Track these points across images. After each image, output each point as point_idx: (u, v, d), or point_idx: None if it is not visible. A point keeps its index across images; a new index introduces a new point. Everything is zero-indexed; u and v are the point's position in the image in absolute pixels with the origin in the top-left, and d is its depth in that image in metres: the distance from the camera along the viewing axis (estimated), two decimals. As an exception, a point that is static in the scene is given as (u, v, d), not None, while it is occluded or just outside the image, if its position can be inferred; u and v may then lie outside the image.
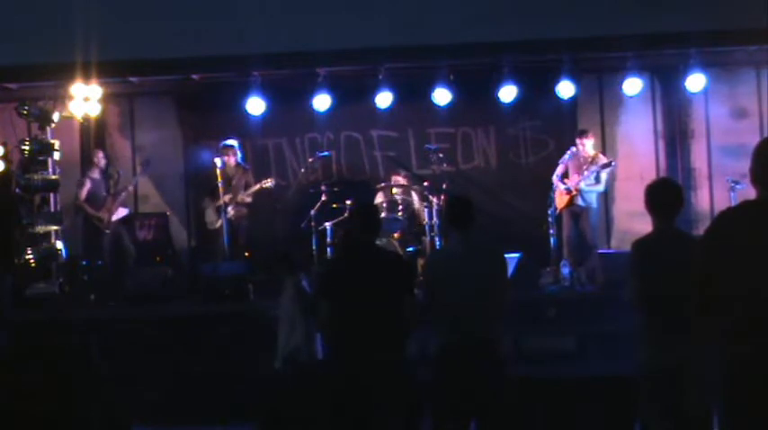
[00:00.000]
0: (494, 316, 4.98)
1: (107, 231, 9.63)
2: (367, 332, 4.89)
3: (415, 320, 4.98)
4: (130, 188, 10.12)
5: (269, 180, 9.69)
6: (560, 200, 9.42)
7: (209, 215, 9.78)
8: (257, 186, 9.66)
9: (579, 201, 9.31)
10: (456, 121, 10.52)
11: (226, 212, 9.51)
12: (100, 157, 9.85)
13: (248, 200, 9.72)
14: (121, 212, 9.81)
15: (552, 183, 9.46)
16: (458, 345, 4.89)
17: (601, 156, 9.48)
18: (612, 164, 9.37)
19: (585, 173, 9.25)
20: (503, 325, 5.08)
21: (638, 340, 4.77)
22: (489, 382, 4.88)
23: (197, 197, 10.35)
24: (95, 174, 9.73)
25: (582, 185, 9.24)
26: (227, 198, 9.55)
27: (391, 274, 5.03)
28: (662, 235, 4.75)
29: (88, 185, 9.63)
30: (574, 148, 9.40)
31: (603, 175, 9.34)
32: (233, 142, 9.72)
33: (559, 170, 9.49)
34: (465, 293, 4.90)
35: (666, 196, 4.79)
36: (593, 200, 9.41)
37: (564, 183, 9.37)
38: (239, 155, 9.75)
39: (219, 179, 9.43)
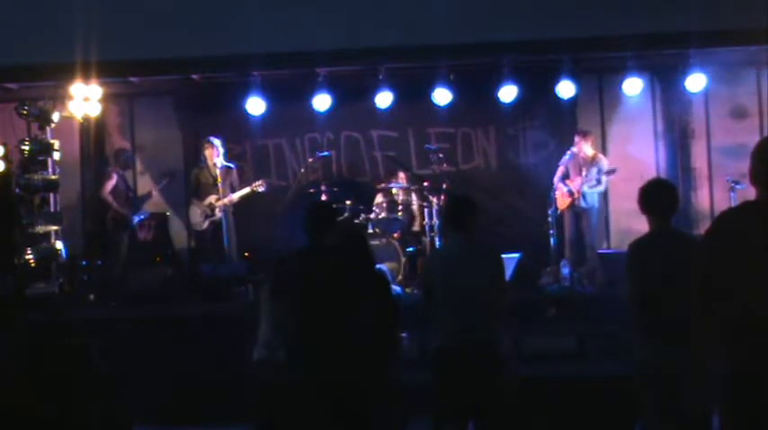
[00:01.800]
0: (493, 316, 4.97)
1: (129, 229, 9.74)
2: (327, 340, 4.80)
3: (391, 325, 4.89)
4: (154, 193, 10.29)
5: (260, 183, 9.61)
6: (562, 201, 9.45)
7: (194, 216, 9.75)
8: (248, 189, 9.61)
9: (581, 203, 9.36)
10: (456, 121, 10.52)
11: (224, 212, 9.52)
12: (129, 155, 10.10)
13: (234, 201, 9.65)
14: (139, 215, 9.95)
15: (553, 184, 9.49)
16: (457, 346, 4.88)
17: (600, 156, 9.51)
18: (616, 171, 9.40)
19: (586, 174, 9.28)
20: (502, 325, 5.08)
21: (637, 340, 4.77)
22: (489, 383, 4.87)
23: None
24: (121, 171, 9.85)
25: (584, 188, 9.30)
26: (213, 199, 9.54)
27: (347, 278, 4.94)
28: (659, 235, 4.75)
29: (114, 179, 9.72)
30: (574, 149, 9.44)
31: (604, 177, 9.39)
32: (216, 140, 9.68)
33: (560, 172, 9.53)
34: (463, 294, 4.90)
35: (661, 196, 4.77)
36: (594, 200, 9.45)
37: (566, 185, 9.39)
38: (221, 152, 9.67)
39: (209, 179, 9.49)
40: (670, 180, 5.23)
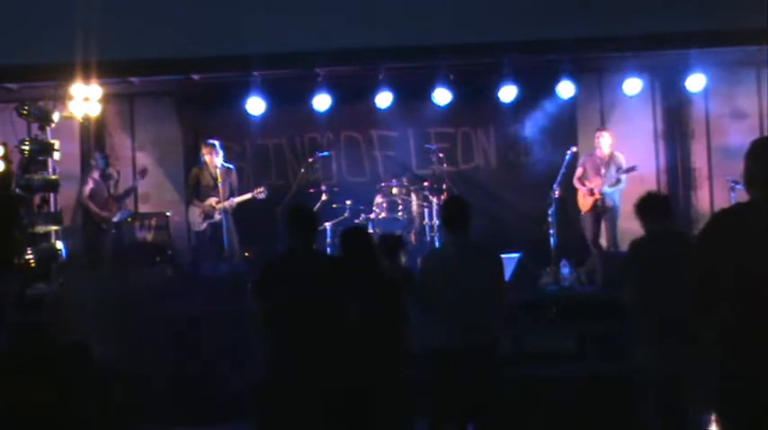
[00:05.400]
0: (491, 316, 4.97)
1: (113, 231, 9.69)
2: (306, 345, 4.84)
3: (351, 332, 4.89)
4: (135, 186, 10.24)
5: (262, 190, 9.56)
6: (584, 202, 9.50)
7: (193, 216, 9.72)
8: (249, 195, 9.58)
9: (604, 203, 9.40)
10: (456, 121, 10.53)
11: (224, 213, 9.51)
12: (98, 158, 9.91)
13: (234, 205, 9.61)
14: (121, 215, 9.88)
15: (553, 184, 9.47)
16: (457, 347, 4.87)
17: (617, 154, 9.51)
18: (635, 168, 9.37)
19: (605, 173, 9.32)
20: (501, 325, 5.07)
21: (637, 340, 4.77)
22: (487, 383, 4.87)
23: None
24: (96, 175, 9.77)
25: (605, 188, 9.32)
26: (213, 201, 9.53)
27: (329, 281, 4.97)
28: (660, 235, 4.77)
29: (91, 184, 9.69)
30: (574, 149, 9.43)
31: (623, 176, 9.40)
32: (214, 142, 9.66)
33: (578, 173, 9.55)
34: (463, 294, 4.89)
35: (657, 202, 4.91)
36: (616, 199, 9.46)
37: (584, 185, 9.47)
38: (221, 154, 9.64)
39: (210, 181, 9.51)
40: (659, 192, 5.45)
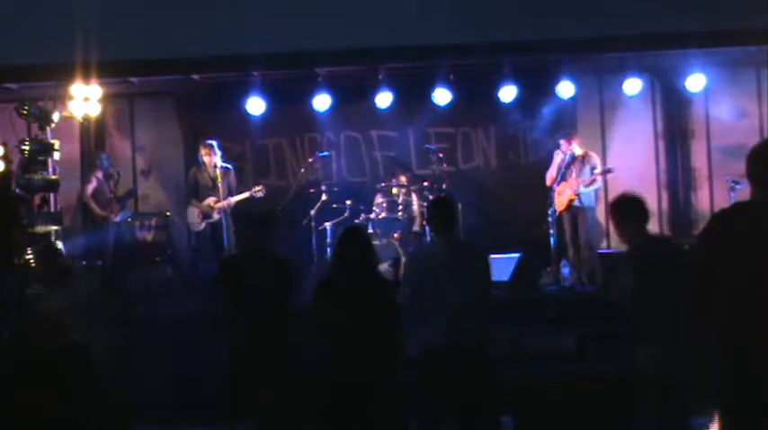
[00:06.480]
0: (480, 315, 4.96)
1: (114, 230, 9.72)
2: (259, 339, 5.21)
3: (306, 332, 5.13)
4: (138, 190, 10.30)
5: (260, 189, 9.56)
6: (560, 202, 9.39)
7: (192, 216, 9.71)
8: (247, 194, 9.59)
9: (578, 203, 9.30)
10: (456, 121, 10.53)
11: (223, 213, 9.50)
12: (102, 159, 9.96)
13: (232, 204, 9.59)
14: (122, 215, 9.89)
15: (553, 185, 9.44)
16: (447, 347, 4.86)
17: (591, 154, 9.46)
18: (612, 170, 9.32)
19: (579, 174, 9.23)
20: (490, 324, 5.06)
21: (638, 342, 4.77)
22: (483, 382, 4.86)
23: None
24: (99, 175, 9.80)
25: (581, 188, 9.24)
26: (211, 201, 9.53)
27: (276, 281, 5.26)
28: (656, 238, 4.79)
29: (94, 184, 9.71)
30: (562, 150, 9.36)
31: (599, 177, 9.33)
32: (212, 142, 9.65)
33: (555, 171, 9.44)
34: (458, 293, 4.89)
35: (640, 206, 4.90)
36: (591, 200, 9.41)
37: (557, 184, 9.35)
38: (219, 154, 9.62)
39: (208, 181, 9.51)
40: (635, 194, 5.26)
